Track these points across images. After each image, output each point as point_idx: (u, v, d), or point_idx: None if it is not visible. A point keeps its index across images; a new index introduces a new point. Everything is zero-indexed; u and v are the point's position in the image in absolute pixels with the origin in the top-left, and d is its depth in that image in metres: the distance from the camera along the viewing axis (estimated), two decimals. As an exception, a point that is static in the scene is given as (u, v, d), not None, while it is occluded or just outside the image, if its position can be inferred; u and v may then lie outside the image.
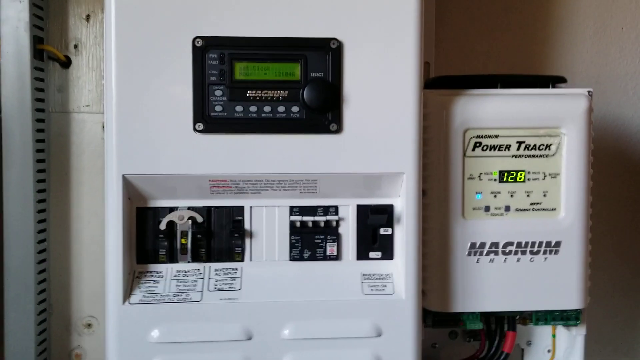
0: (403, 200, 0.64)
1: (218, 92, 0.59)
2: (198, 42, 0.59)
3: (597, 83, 0.97)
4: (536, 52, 0.96)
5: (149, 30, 0.58)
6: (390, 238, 0.65)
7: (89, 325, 0.80)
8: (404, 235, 0.64)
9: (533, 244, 0.70)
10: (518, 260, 0.70)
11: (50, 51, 0.77)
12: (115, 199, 0.60)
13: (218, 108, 0.59)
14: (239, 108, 0.60)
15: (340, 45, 0.60)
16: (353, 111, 0.61)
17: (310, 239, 0.64)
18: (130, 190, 0.61)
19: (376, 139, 0.61)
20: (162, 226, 0.62)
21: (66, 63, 0.78)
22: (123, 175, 0.60)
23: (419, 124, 0.62)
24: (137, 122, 0.59)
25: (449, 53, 0.92)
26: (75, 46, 0.78)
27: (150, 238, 0.63)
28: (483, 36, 0.94)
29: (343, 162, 0.61)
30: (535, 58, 0.96)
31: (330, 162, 0.61)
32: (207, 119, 0.59)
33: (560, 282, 0.70)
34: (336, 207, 0.65)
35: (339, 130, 0.61)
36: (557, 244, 0.70)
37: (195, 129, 0.59)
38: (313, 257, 0.65)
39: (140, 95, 0.59)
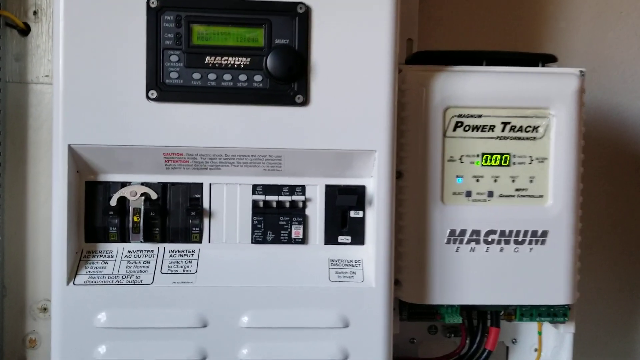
0: (375, 180, 0.59)
1: (174, 58, 0.55)
2: (152, 3, 0.54)
3: (593, 70, 0.92)
4: (529, 37, 0.91)
5: (100, -12, 0.54)
6: (361, 221, 0.61)
7: (45, 309, 0.76)
8: (376, 219, 0.59)
9: (518, 233, 0.65)
10: (501, 250, 0.65)
11: (7, 17, 0.72)
12: (61, 170, 0.55)
13: (173, 75, 0.55)
14: (196, 75, 0.55)
15: (308, 10, 0.55)
16: (321, 82, 0.56)
17: (274, 220, 0.60)
18: (78, 162, 0.57)
19: (346, 113, 0.56)
20: (113, 202, 0.57)
21: (25, 30, 0.74)
22: (69, 145, 0.55)
23: (392, 98, 0.57)
24: (85, 88, 0.54)
25: (435, 32, 0.87)
26: (35, 13, 0.74)
27: (100, 215, 0.58)
28: (472, 17, 0.89)
29: (310, 137, 0.56)
30: (528, 42, 0.91)
31: (295, 136, 0.56)
32: (161, 87, 0.55)
33: (547, 275, 0.65)
34: (303, 187, 0.60)
35: (305, 102, 0.56)
36: (544, 233, 0.65)
37: (148, 97, 0.55)
38: (277, 240, 0.60)
39: (90, 59, 0.54)
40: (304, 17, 0.55)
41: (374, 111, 0.57)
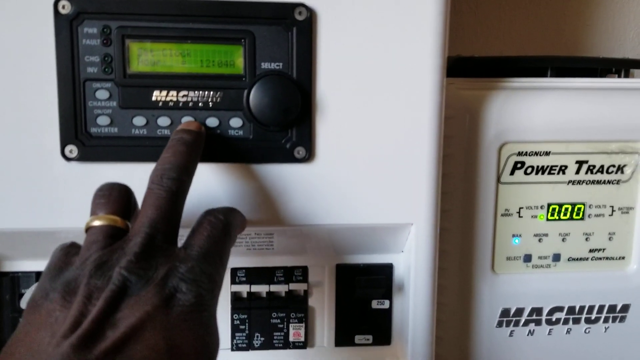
0: (410, 258, 0.41)
1: (102, 94, 0.35)
2: (64, 7, 0.34)
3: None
4: (572, 30, 0.71)
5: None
6: (387, 314, 0.43)
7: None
8: (410, 311, 0.41)
9: (591, 308, 0.49)
10: (568, 332, 0.49)
11: None
12: None
13: (103, 120, 0.35)
14: (138, 120, 0.35)
15: (311, 16, 0.35)
16: (332, 127, 0.37)
17: (264, 318, 0.42)
18: (-36, 251, 0.38)
19: (367, 170, 0.38)
20: (25, 303, 0.39)
21: None
22: (-56, 232, 0.36)
23: (437, 148, 0.38)
24: (-37, 144, 0.35)
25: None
26: None
27: (9, 319, 0.40)
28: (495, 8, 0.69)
29: (314, 209, 0.38)
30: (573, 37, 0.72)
31: (293, 208, 0.38)
32: (84, 140, 0.35)
33: (626, 361, 0.50)
34: (304, 269, 0.42)
35: (308, 157, 0.37)
36: (625, 308, 0.49)
37: (65, 156, 0.35)
38: (268, 345, 0.42)
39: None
40: (306, 28, 0.35)
41: (409, 168, 0.38)
